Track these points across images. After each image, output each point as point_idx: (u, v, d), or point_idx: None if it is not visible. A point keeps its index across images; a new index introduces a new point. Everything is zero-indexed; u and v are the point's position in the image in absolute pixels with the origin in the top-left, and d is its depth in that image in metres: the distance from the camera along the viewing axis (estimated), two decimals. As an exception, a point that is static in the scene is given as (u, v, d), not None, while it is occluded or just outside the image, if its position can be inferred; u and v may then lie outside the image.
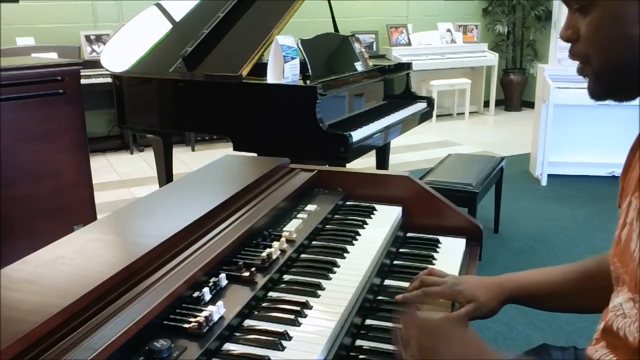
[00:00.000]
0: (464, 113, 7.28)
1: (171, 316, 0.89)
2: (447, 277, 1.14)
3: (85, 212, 2.82)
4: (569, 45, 0.83)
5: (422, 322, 0.91)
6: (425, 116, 3.53)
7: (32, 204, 2.66)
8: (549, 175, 4.52)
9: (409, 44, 6.94)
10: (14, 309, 0.78)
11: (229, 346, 0.88)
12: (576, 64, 0.83)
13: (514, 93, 7.60)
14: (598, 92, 0.81)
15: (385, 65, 3.48)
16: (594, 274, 1.03)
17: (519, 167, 4.90)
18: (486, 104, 7.55)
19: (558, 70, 4.45)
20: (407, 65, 3.66)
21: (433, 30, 7.06)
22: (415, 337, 0.86)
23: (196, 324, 0.86)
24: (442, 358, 0.82)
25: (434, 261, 1.29)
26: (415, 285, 1.15)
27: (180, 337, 0.85)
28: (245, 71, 2.75)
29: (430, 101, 3.59)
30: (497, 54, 7.22)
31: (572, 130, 4.54)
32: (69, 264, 0.92)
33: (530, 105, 6.78)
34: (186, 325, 0.86)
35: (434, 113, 5.15)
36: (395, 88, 3.55)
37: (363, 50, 3.43)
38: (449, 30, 7.11)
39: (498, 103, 7.57)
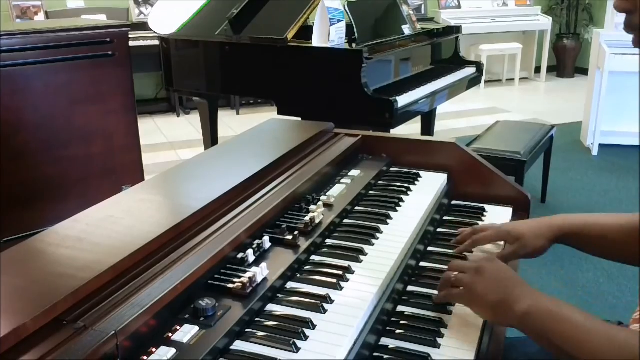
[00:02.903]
0: (513, 79, 7.07)
1: (216, 276, 0.90)
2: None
3: (133, 173, 2.89)
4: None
5: (462, 263, 0.98)
6: (473, 82, 3.46)
7: (85, 164, 2.74)
8: (601, 145, 4.38)
9: (458, 6, 6.75)
10: (66, 266, 0.80)
11: (271, 307, 0.89)
12: None
13: (567, 59, 7.33)
14: None
15: (434, 29, 3.40)
16: None
17: (570, 137, 4.76)
18: (537, 70, 7.31)
19: (614, 36, 4.26)
20: (456, 29, 3.57)
21: (484, -8, 6.84)
22: (456, 277, 0.93)
23: (240, 284, 0.87)
24: (478, 292, 0.89)
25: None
26: (466, 234, 1.18)
27: (224, 296, 0.86)
28: (290, 34, 2.73)
29: (479, 66, 3.51)
30: (550, 18, 6.95)
31: (627, 99, 4.37)
32: (118, 223, 0.93)
33: (584, 72, 6.54)
34: (230, 286, 0.87)
35: (483, 79, 5.01)
36: (444, 53, 3.47)
37: (411, 13, 3.35)
38: (500, -7, 6.88)
39: (550, 69, 7.32)
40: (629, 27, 0.79)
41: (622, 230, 1.05)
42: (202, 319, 0.81)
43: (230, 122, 5.44)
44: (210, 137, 3.35)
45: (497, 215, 1.35)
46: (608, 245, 1.06)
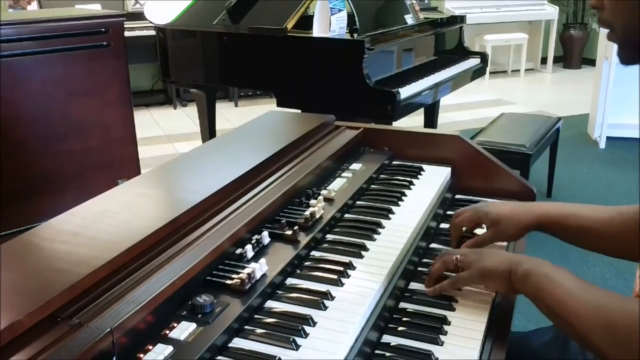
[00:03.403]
0: (519, 70, 7.06)
1: (214, 272, 0.90)
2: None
3: (129, 167, 2.90)
4: None
5: (460, 249, 1.06)
6: (478, 73, 3.45)
7: (81, 158, 2.75)
8: (608, 138, 4.37)
9: (462, -5, 6.73)
10: (61, 260, 0.80)
11: (271, 304, 0.90)
12: None
13: (574, 49, 7.31)
14: (626, 58, 0.84)
15: (437, 19, 3.38)
16: (631, 222, 1.03)
17: (577, 129, 4.75)
18: (543, 60, 7.29)
19: (624, 25, 4.23)
20: (460, 19, 3.55)
21: (489, -19, 6.82)
22: (461, 259, 0.99)
23: (239, 280, 0.87)
24: (490, 265, 0.95)
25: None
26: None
27: (222, 293, 0.86)
28: (290, 24, 2.72)
29: (483, 57, 3.50)
30: (557, 7, 6.93)
31: (636, 90, 4.35)
32: (114, 217, 0.93)
33: (591, 62, 6.51)
34: (229, 282, 0.88)
35: (488, 70, 4.99)
36: (447, 43, 3.46)
37: (414, 2, 3.33)
38: (506, -18, 6.86)
39: (556, 60, 7.30)
40: (601, 22, 0.84)
41: (601, 222, 1.07)
42: (199, 315, 0.81)
43: (228, 114, 5.44)
44: (208, 129, 3.35)
45: None
46: (586, 236, 1.09)
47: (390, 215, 1.20)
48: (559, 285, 0.85)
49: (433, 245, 1.22)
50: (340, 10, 2.75)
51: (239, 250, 0.96)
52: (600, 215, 1.08)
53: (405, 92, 2.64)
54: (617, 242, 1.05)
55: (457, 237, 1.19)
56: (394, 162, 1.48)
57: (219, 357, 0.78)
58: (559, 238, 1.14)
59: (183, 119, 5.45)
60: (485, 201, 1.37)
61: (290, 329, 0.83)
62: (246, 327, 0.84)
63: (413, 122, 4.45)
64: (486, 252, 1.00)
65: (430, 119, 3.72)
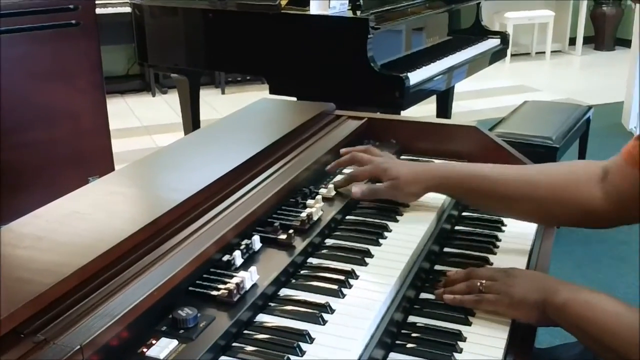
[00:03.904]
0: (544, 52, 7.07)
1: (198, 282, 0.90)
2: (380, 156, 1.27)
3: (102, 162, 2.89)
4: None
5: (487, 270, 1.05)
6: (497, 55, 3.46)
7: (46, 151, 2.73)
8: (646, 129, 4.38)
9: (480, -32, 6.73)
10: (23, 269, 0.80)
11: (262, 317, 0.90)
12: None
13: (607, 29, 7.31)
14: None
15: (452, -7, 3.39)
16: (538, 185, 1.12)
17: (609, 119, 4.76)
18: (572, 41, 7.30)
19: (663, 1, 4.24)
20: (478, -6, 3.56)
21: (510, -50, 6.82)
22: (487, 284, 0.99)
23: (226, 291, 0.87)
24: (519, 294, 0.96)
25: (503, 227, 1.28)
26: (343, 161, 1.29)
27: (208, 305, 0.86)
28: (284, 0, 2.72)
29: (504, 37, 3.51)
30: (587, -19, 6.95)
31: (677, 75, 4.37)
32: (85, 219, 0.93)
33: (626, 43, 6.52)
34: (215, 293, 0.88)
35: (509, 52, 4.99)
36: (463, 21, 3.47)
37: (425, -25, 3.34)
38: (529, -48, 6.86)
39: (586, 41, 7.32)
40: None
41: (513, 184, 1.14)
42: (181, 331, 0.80)
43: (214, 103, 5.45)
44: (191, 119, 3.35)
45: (516, 228, 1.30)
46: (496, 199, 1.16)
47: (398, 217, 1.20)
48: (604, 311, 0.86)
49: (447, 249, 1.21)
50: (341, -16, 2.75)
51: (226, 257, 0.96)
52: (509, 176, 1.14)
53: (415, 77, 2.64)
54: (527, 204, 1.13)
55: (335, 169, 1.29)
56: (402, 157, 1.49)
57: (203, 378, 0.77)
58: (460, 200, 1.26)
59: (163, 107, 5.46)
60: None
61: (285, 346, 0.82)
62: (234, 344, 0.83)
63: (424, 111, 4.45)
64: (520, 276, 1.00)
65: (444, 108, 3.72)
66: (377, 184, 1.22)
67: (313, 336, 0.85)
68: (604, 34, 7.36)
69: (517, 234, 1.25)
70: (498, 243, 1.22)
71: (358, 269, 1.02)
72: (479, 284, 1.00)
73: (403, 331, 0.96)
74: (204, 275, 0.92)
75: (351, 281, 0.98)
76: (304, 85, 2.74)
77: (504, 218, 1.30)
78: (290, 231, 1.05)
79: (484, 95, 5.56)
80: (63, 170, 2.79)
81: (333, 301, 0.93)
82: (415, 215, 1.22)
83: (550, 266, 1.20)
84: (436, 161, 1.42)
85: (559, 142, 3.00)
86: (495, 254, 1.18)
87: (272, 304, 0.93)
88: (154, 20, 3.15)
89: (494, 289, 0.99)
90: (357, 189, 1.22)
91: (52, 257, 0.82)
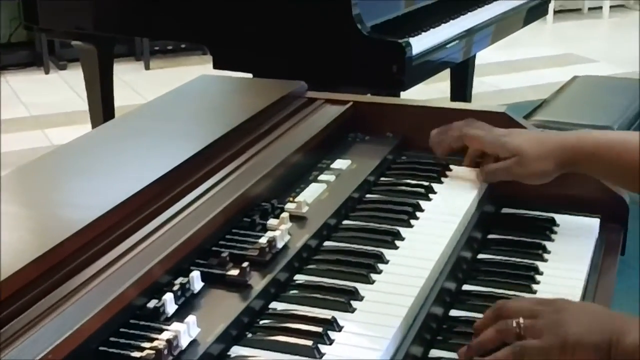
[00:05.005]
0: (600, 8, 7.10)
1: (113, 339, 0.89)
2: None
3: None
4: None
5: (526, 304, 1.05)
6: (535, 13, 3.47)
7: None
8: None
9: None
10: None
11: (206, 391, 0.89)
12: None
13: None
14: None
15: None
16: None
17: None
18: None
19: None
20: None
21: None
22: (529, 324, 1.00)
23: (153, 351, 0.86)
24: (573, 335, 0.96)
25: (545, 255, 1.30)
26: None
27: (125, 374, 0.85)
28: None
29: (545, -14, 3.55)
30: None
31: None
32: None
33: None
34: (137, 355, 0.86)
35: (551, 7, 4.97)
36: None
37: None
38: None
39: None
40: None
41: None
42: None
43: (134, 82, 5.45)
44: (102, 106, 3.31)
45: (576, 231, 1.37)
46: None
47: (398, 243, 1.20)
48: None
49: (467, 287, 1.23)
50: None
51: (152, 303, 0.94)
52: None
53: (419, 43, 2.57)
54: None
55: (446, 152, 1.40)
56: (403, 156, 1.50)
57: None
58: (607, 180, 1.34)
59: (60, 89, 5.41)
60: (550, 218, 1.41)
61: None
62: None
63: (432, 92, 4.46)
64: (572, 311, 1.01)
65: (461, 87, 3.74)
66: (493, 164, 1.34)
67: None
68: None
69: (565, 263, 1.28)
70: (538, 277, 1.23)
71: (342, 317, 1.01)
72: (514, 324, 1.00)
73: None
74: (121, 330, 0.90)
75: (332, 334, 0.98)
76: (262, 56, 2.69)
77: (546, 241, 1.33)
78: (245, 264, 1.03)
79: (517, 69, 5.61)
80: None
81: (309, 365, 0.92)
82: (422, 239, 1.22)
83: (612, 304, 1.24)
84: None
85: (623, 132, 2.99)
86: (534, 292, 1.19)
87: (220, 372, 0.91)
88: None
89: (538, 329, 0.98)
90: (481, 174, 1.36)
91: None
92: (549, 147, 1.29)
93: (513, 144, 1.29)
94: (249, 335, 0.98)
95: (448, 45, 2.75)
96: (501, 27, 3.16)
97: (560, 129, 2.78)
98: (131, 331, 0.90)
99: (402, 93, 2.62)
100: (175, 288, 0.97)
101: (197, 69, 4.95)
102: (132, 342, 0.88)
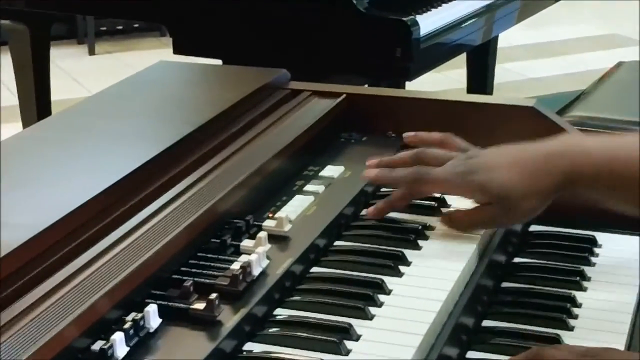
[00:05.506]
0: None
1: None
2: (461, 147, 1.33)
3: None
4: None
5: (558, 354, 1.04)
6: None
7: None
8: None
9: None
10: None
11: None
12: None
13: None
14: None
15: None
16: None
17: None
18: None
19: None
20: None
21: None
22: None
23: None
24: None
25: (584, 283, 1.30)
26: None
27: None
28: None
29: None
30: None
31: None
32: None
33: None
34: None
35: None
36: None
37: None
38: None
39: None
40: None
41: None
42: None
43: (76, 70, 5.49)
44: (36, 99, 3.32)
45: (618, 252, 1.38)
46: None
47: (403, 268, 1.20)
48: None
49: (488, 323, 1.23)
50: None
51: (98, 345, 0.92)
52: None
53: (429, 21, 2.61)
54: None
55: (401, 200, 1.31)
56: None
57: None
58: (607, 204, 1.27)
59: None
60: (591, 237, 1.41)
61: None
62: None
63: (447, 81, 4.47)
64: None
65: (480, 76, 3.77)
66: (473, 208, 1.27)
67: None
68: None
69: (609, 293, 1.28)
70: (576, 310, 1.23)
71: (335, 362, 1.01)
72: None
73: None
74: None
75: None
76: (234, 39, 2.71)
77: (585, 266, 1.34)
78: (213, 296, 1.02)
79: (548, 54, 5.65)
80: None
81: None
82: (433, 264, 1.23)
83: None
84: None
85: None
86: (570, 328, 1.19)
87: None
88: None
89: None
90: (446, 222, 1.28)
91: None
92: (536, 176, 1.21)
93: (493, 185, 1.21)
94: (219, 385, 0.98)
95: (464, 25, 2.76)
96: (529, 1, 3.16)
97: (602, 127, 2.73)
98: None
99: (407, 83, 2.58)
100: (127, 326, 0.94)
101: (154, 54, 4.98)
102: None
